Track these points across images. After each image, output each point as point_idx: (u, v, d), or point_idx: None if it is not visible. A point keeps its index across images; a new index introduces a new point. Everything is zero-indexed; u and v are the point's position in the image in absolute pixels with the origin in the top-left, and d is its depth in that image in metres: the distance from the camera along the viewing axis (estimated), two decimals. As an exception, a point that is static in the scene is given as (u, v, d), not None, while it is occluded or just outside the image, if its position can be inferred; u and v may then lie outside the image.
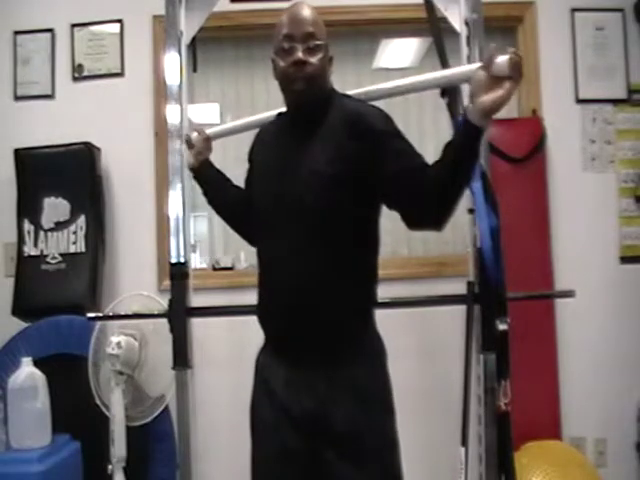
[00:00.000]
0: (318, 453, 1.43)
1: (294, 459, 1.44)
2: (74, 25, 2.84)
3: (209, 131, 1.91)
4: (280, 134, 1.58)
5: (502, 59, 1.19)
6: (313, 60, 1.44)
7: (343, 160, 1.42)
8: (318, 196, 1.42)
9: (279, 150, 1.54)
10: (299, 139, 1.50)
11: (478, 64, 1.26)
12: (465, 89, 2.10)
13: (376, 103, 1.59)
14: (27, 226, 2.66)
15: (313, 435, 1.42)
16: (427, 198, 1.36)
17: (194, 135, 1.86)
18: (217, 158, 1.93)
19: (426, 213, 1.39)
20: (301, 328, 1.44)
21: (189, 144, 1.86)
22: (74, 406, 2.36)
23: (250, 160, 1.68)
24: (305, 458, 1.44)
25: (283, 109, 1.63)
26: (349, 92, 1.64)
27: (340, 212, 1.43)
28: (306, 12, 1.47)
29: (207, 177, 1.84)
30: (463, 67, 1.66)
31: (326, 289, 1.43)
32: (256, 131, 1.72)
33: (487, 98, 1.21)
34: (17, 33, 2.84)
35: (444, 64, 2.04)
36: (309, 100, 1.47)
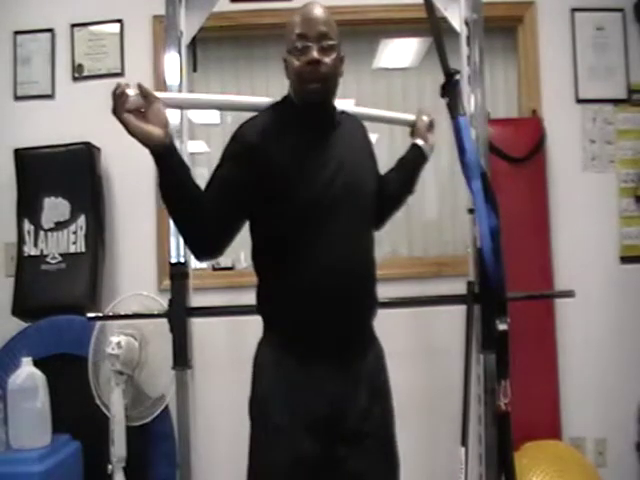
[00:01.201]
0: (331, 451, 1.43)
1: (308, 461, 1.42)
2: (74, 25, 2.84)
3: (162, 95, 1.43)
4: (296, 133, 1.49)
5: (425, 118, 1.92)
6: (327, 60, 1.45)
7: (371, 165, 1.64)
8: (369, 192, 1.55)
9: (305, 150, 1.47)
10: (325, 137, 1.52)
11: (413, 117, 1.94)
12: (465, 89, 2.11)
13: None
14: (27, 226, 2.66)
15: (326, 434, 1.42)
16: (388, 206, 1.78)
17: (132, 92, 1.30)
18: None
19: (382, 218, 1.76)
20: (342, 326, 1.45)
21: (119, 97, 1.27)
22: (74, 406, 2.36)
23: (246, 156, 1.46)
24: (318, 459, 1.43)
25: (268, 99, 1.63)
26: (345, 95, 1.71)
27: (372, 214, 1.58)
28: (319, 12, 1.48)
29: (174, 160, 1.38)
30: (405, 115, 2.03)
31: (372, 286, 1.52)
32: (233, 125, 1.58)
33: (432, 138, 1.90)
34: (17, 33, 2.84)
35: (444, 64, 2.04)
36: (324, 99, 1.50)
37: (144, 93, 1.32)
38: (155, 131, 1.32)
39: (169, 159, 1.36)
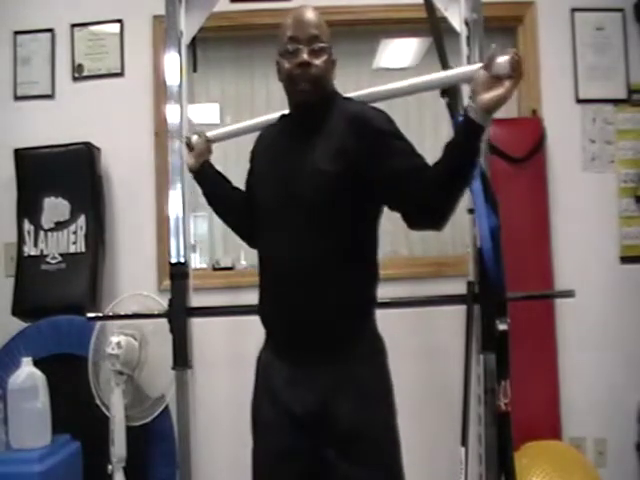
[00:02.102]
0: (319, 452, 1.43)
1: (295, 459, 1.44)
2: (74, 25, 2.84)
3: (210, 134, 1.91)
4: (282, 134, 1.60)
5: (503, 59, 1.22)
6: (318, 62, 1.46)
7: (346, 158, 1.44)
8: (320, 192, 1.44)
9: (281, 150, 1.56)
10: (302, 139, 1.51)
11: (479, 64, 1.29)
12: (465, 89, 2.11)
13: (376, 103, 1.60)
14: (27, 226, 2.66)
15: (315, 434, 1.43)
16: (429, 198, 1.38)
17: (194, 138, 1.85)
18: (218, 159, 1.93)
19: (427, 213, 1.42)
20: (303, 326, 1.45)
21: (189, 146, 1.85)
22: (74, 406, 2.36)
23: (252, 161, 1.69)
24: (306, 458, 1.44)
25: (286, 111, 1.63)
26: (350, 93, 1.65)
27: (341, 209, 1.45)
28: (310, 15, 1.49)
29: (208, 178, 1.83)
30: (464, 67, 1.70)
31: (328, 287, 1.44)
32: (257, 134, 1.73)
33: (488, 96, 1.24)
34: (17, 33, 2.84)
35: (444, 64, 2.04)
36: (313, 101, 1.49)
37: (199, 135, 1.86)
38: (189, 161, 1.86)
39: (200, 179, 1.84)
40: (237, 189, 1.79)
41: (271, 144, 1.62)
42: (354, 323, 1.50)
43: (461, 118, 1.33)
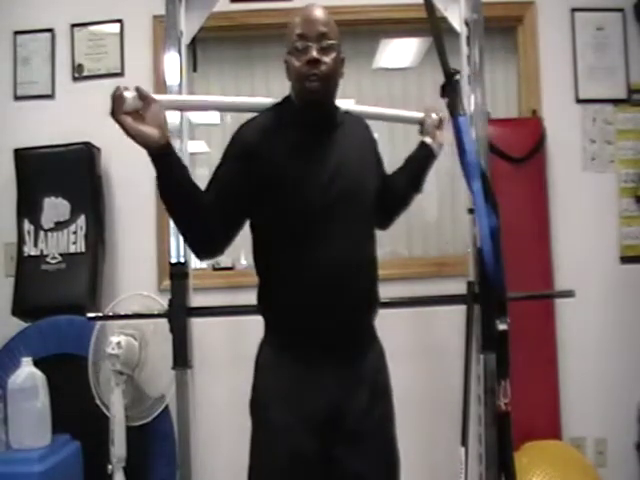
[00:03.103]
0: (329, 451, 1.44)
1: (306, 460, 1.43)
2: (74, 25, 2.84)
3: (161, 97, 1.43)
4: (296, 133, 1.49)
5: (434, 116, 1.88)
6: (327, 59, 1.46)
7: (373, 163, 1.63)
8: (370, 192, 1.55)
9: (304, 150, 1.48)
10: (324, 139, 1.51)
11: (421, 114, 1.90)
12: (465, 89, 2.11)
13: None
14: (27, 226, 2.66)
15: (326, 434, 1.43)
16: (397, 206, 1.79)
17: (129, 95, 1.28)
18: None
19: (390, 218, 1.79)
20: (336, 326, 1.44)
21: (117, 101, 1.26)
22: (74, 406, 2.36)
23: (253, 156, 1.46)
24: (317, 457, 1.43)
25: (271, 99, 1.65)
26: (348, 94, 1.67)
27: (373, 213, 1.57)
28: (319, 12, 1.49)
29: (173, 161, 1.37)
30: (413, 113, 2.02)
31: (369, 285, 1.51)
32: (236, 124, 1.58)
33: (440, 138, 1.84)
34: (17, 33, 2.85)
35: (444, 64, 2.04)
36: (323, 99, 1.49)
37: (142, 95, 1.30)
38: (152, 132, 1.31)
39: (166, 160, 1.35)
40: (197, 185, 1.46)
41: (281, 142, 1.48)
42: (371, 324, 1.55)
43: (419, 149, 1.85)
